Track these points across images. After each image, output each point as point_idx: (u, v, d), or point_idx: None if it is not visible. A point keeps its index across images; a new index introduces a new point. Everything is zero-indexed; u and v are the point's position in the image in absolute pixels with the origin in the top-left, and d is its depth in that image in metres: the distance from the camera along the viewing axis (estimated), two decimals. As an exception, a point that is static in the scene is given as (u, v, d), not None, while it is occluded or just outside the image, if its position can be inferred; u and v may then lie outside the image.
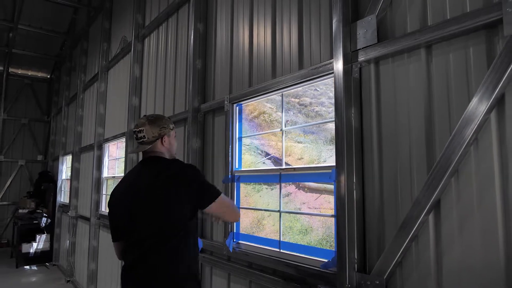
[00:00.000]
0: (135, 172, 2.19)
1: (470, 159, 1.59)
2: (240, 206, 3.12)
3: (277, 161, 3.80)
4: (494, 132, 1.53)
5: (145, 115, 2.21)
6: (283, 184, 2.90)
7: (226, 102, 3.16)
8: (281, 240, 2.63)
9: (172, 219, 1.97)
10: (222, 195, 2.09)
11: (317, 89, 2.58)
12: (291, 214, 3.13)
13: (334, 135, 2.09)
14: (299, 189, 3.93)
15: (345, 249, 1.94)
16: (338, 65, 2.07)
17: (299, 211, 2.98)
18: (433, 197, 1.66)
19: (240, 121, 3.18)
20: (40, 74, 12.90)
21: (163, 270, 1.93)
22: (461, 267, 1.58)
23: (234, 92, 3.16)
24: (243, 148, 3.32)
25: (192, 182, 2.01)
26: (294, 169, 2.52)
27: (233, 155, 3.12)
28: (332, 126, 2.25)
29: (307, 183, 3.89)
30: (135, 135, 2.17)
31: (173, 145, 2.25)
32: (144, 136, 2.12)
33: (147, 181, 2.02)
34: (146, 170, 2.11)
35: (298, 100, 3.46)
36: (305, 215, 3.68)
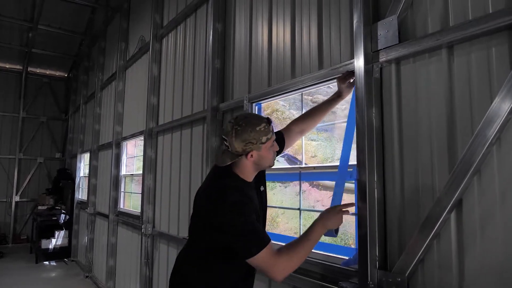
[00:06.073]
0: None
1: (492, 159, 1.60)
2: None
3: (290, 159, 3.83)
4: (517, 132, 1.54)
5: (237, 117, 1.84)
6: (296, 182, 2.93)
7: (245, 102, 3.21)
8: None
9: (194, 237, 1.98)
10: (265, 248, 1.71)
11: (330, 86, 2.61)
12: (308, 212, 3.17)
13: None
14: (312, 187, 3.96)
15: (366, 246, 1.97)
16: (359, 65, 2.10)
17: (318, 209, 3.01)
18: (455, 196, 1.68)
19: (259, 120, 3.21)
20: (58, 73, 13.16)
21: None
22: (482, 265, 1.59)
23: (253, 92, 3.20)
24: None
25: (223, 226, 1.75)
26: (314, 167, 2.56)
27: (252, 154, 3.16)
28: (344, 125, 2.28)
29: (321, 181, 3.92)
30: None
31: (265, 157, 1.87)
32: (228, 146, 1.83)
33: (201, 191, 1.99)
34: (208, 176, 2.09)
35: (311, 97, 3.47)
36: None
